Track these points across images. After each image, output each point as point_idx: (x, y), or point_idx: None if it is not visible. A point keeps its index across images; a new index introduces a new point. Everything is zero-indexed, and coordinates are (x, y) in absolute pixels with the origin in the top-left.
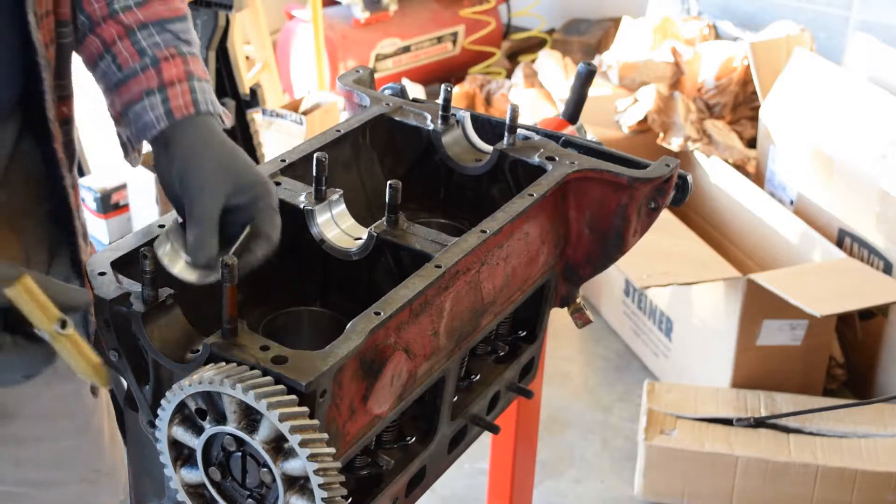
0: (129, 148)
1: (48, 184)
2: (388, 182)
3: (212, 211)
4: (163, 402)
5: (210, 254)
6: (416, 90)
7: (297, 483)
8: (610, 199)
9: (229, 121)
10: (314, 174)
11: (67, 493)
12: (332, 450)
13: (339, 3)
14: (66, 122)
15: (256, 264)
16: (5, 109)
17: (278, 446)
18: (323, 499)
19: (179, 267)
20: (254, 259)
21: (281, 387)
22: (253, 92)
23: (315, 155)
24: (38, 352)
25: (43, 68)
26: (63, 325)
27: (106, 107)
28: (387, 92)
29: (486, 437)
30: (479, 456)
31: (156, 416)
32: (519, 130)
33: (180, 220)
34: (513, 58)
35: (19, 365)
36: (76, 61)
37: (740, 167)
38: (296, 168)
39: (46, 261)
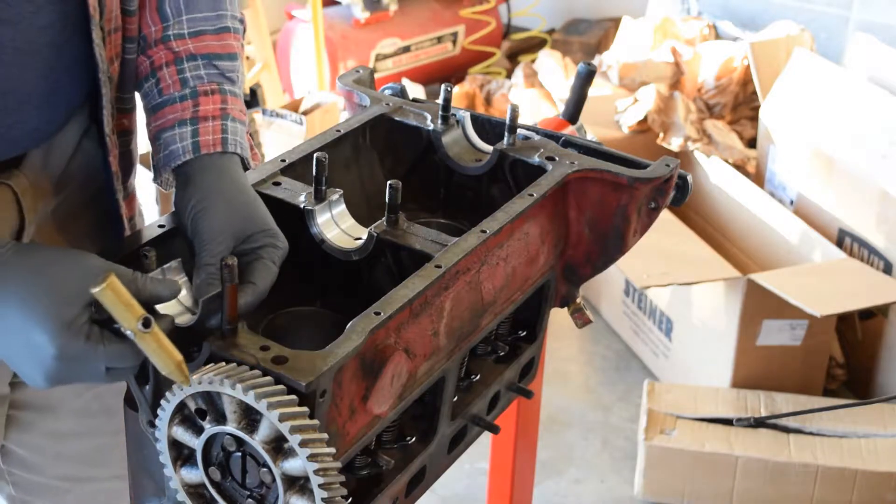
0: (158, 172)
1: (102, 191)
2: (388, 182)
3: (218, 260)
4: (163, 402)
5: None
6: (416, 90)
7: (297, 483)
8: (610, 199)
9: (257, 163)
10: (314, 174)
11: (102, 488)
12: (332, 450)
13: (339, 3)
14: (126, 133)
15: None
16: (69, 113)
17: (278, 446)
18: (323, 499)
19: (171, 306)
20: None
21: (281, 387)
22: (253, 92)
23: (315, 155)
24: (125, 348)
25: (103, 83)
26: (146, 323)
27: (146, 128)
28: (387, 92)
29: (486, 437)
30: (479, 456)
31: (156, 416)
32: (519, 130)
33: (175, 263)
34: (513, 58)
35: (104, 358)
36: None
37: (740, 167)
38: (296, 168)
39: None
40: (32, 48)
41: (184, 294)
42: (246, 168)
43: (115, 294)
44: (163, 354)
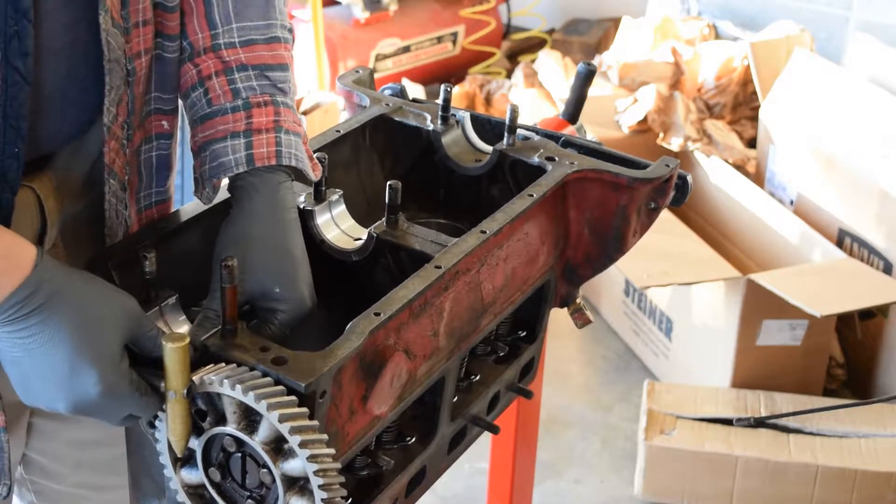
0: (200, 185)
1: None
2: (388, 182)
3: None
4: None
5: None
6: (416, 90)
7: (296, 484)
8: (610, 200)
9: (318, 173)
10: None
11: (121, 497)
12: (331, 450)
13: (339, 3)
14: (166, 136)
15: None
16: (94, 114)
17: (278, 447)
18: (323, 499)
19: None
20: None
21: (281, 388)
22: None
23: (315, 155)
24: (154, 401)
25: (108, 71)
26: (187, 392)
27: (189, 140)
28: (387, 92)
29: (486, 437)
30: (479, 456)
31: (156, 416)
32: (519, 130)
33: (173, 300)
34: (513, 58)
35: (136, 405)
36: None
37: (740, 167)
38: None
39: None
40: (55, 46)
41: (185, 330)
42: (307, 181)
43: (181, 357)
44: (181, 424)
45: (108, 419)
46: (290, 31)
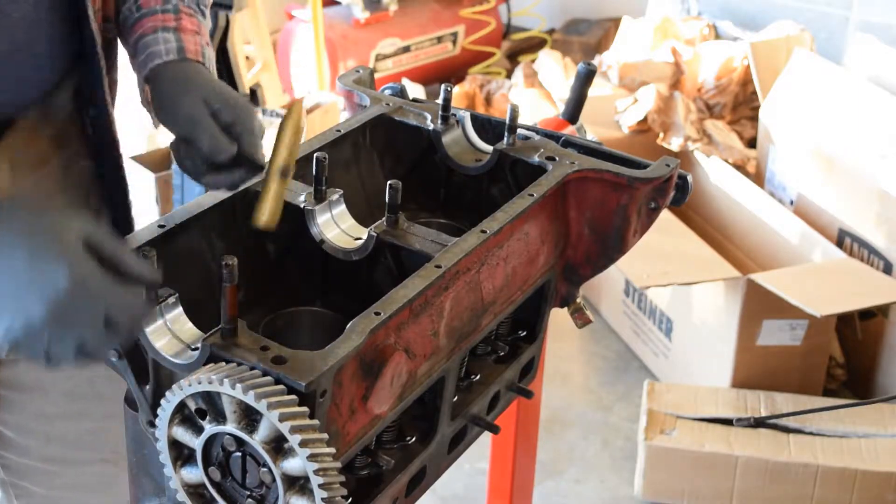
0: (143, 91)
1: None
2: (388, 182)
3: (210, 121)
4: (163, 402)
5: (229, 149)
6: (416, 90)
7: (296, 483)
8: (610, 199)
9: None
10: (314, 174)
11: (92, 472)
12: (332, 450)
13: (339, 3)
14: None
15: (239, 183)
16: (58, 74)
17: (278, 446)
18: (323, 499)
19: (169, 342)
20: (238, 178)
21: (281, 387)
22: (253, 92)
23: (315, 155)
24: (134, 294)
25: (100, 57)
26: (285, 174)
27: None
28: (387, 92)
29: (486, 437)
30: (479, 456)
31: (156, 416)
32: (519, 130)
33: (173, 299)
34: (513, 58)
35: (112, 295)
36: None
37: (740, 167)
38: (296, 168)
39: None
40: (15, 5)
41: (186, 329)
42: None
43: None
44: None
45: (87, 323)
46: None
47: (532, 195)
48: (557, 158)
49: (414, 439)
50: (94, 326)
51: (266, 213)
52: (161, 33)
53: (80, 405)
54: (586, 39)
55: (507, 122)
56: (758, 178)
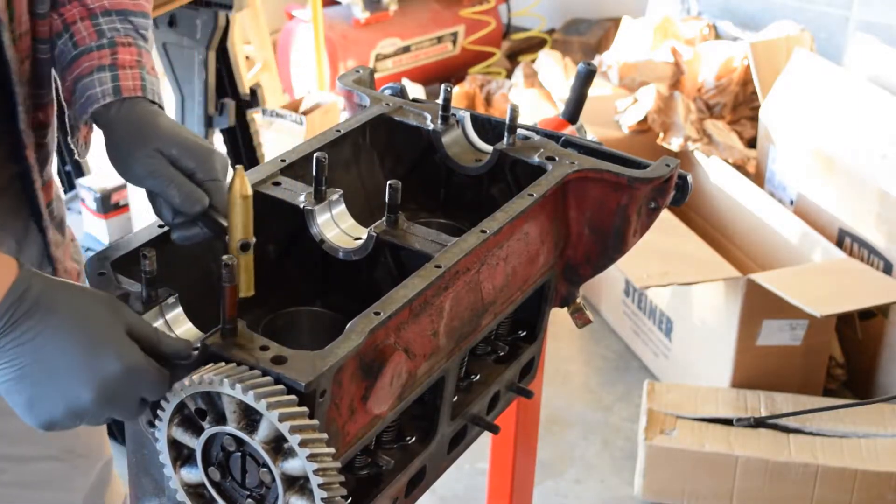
0: (74, 129)
1: (14, 180)
2: (388, 182)
3: (172, 172)
4: (162, 402)
5: (202, 200)
6: (416, 90)
7: (296, 483)
8: (610, 199)
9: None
10: (314, 174)
11: (40, 469)
12: (331, 450)
13: (339, 3)
14: (42, 126)
15: (202, 238)
16: None
17: (278, 446)
18: (323, 499)
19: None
20: (205, 235)
21: (280, 387)
22: (253, 92)
23: (315, 155)
24: (165, 375)
25: (16, 83)
26: (246, 248)
27: (60, 90)
28: (387, 92)
29: (486, 437)
30: (479, 456)
31: (155, 416)
32: (519, 130)
33: (173, 299)
34: (513, 58)
35: (157, 377)
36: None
37: (740, 167)
38: (296, 168)
39: (14, 248)
40: None
41: (186, 329)
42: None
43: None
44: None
45: (126, 404)
46: None
47: (532, 195)
48: (557, 158)
49: (414, 439)
50: (132, 406)
51: (241, 288)
52: (97, 74)
53: None
54: (586, 39)
55: (507, 122)
56: (758, 178)
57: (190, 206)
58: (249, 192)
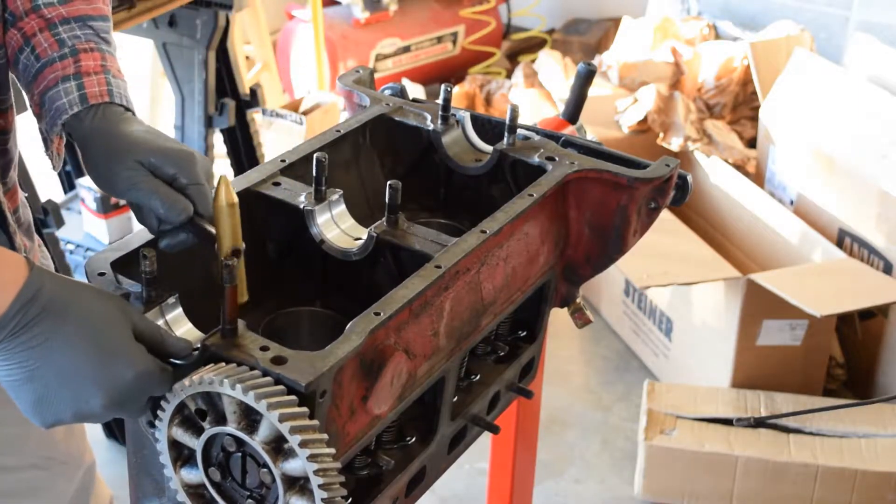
0: (47, 142)
1: None
2: (388, 182)
3: (154, 181)
4: (163, 402)
5: (187, 208)
6: (416, 90)
7: (296, 483)
8: (610, 199)
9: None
10: (314, 174)
11: (21, 478)
12: (331, 450)
13: (339, 3)
14: (3, 132)
15: (190, 244)
16: None
17: (278, 447)
18: (323, 499)
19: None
20: (192, 240)
21: (281, 387)
22: (253, 92)
23: (315, 155)
24: (169, 375)
25: None
26: (237, 255)
27: (29, 104)
28: (387, 92)
29: (486, 437)
30: (479, 456)
31: (156, 416)
32: (519, 130)
33: (173, 299)
34: (513, 58)
35: (156, 384)
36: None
37: (740, 167)
38: (296, 168)
39: None
40: None
41: (186, 330)
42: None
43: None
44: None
45: (134, 406)
46: None
47: (532, 195)
48: (557, 158)
49: (414, 439)
50: (140, 407)
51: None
52: (62, 84)
53: (2, 410)
54: (586, 39)
55: (507, 122)
56: (758, 178)
57: (175, 216)
58: (235, 199)
